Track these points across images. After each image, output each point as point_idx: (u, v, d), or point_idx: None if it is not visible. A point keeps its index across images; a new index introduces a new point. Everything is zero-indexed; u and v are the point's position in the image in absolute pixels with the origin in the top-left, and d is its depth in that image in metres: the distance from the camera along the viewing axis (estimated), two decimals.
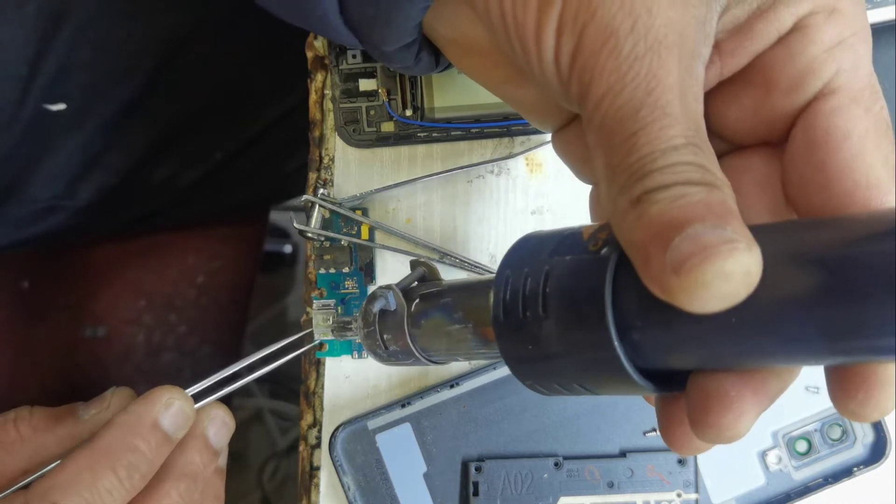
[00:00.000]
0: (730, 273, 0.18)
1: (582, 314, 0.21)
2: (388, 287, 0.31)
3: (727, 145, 0.26)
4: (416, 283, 0.32)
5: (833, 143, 0.22)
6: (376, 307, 0.31)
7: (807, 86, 0.23)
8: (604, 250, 0.22)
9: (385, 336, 0.31)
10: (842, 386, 0.21)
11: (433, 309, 0.29)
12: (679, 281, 0.18)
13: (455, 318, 0.28)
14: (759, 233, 0.19)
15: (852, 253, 0.18)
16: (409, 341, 0.30)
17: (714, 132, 0.25)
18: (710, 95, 0.25)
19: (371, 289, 0.39)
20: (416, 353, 0.30)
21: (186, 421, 0.34)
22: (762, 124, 0.24)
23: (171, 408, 0.33)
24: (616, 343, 0.21)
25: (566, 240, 0.23)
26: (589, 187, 0.30)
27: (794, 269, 0.18)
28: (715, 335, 0.20)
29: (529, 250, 0.24)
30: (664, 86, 0.21)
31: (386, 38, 0.28)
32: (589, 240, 0.22)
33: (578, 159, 0.29)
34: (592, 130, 0.23)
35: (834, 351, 0.18)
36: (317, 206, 0.39)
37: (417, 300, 0.30)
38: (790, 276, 0.18)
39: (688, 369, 0.22)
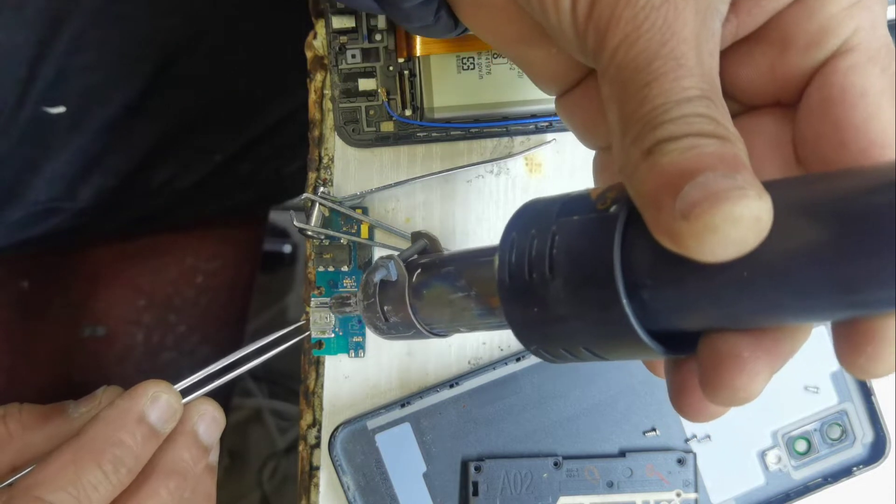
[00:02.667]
0: (739, 217, 0.17)
1: (590, 272, 0.21)
2: (389, 257, 0.30)
3: (738, 106, 0.26)
4: (417, 254, 0.31)
5: (849, 100, 0.22)
6: (377, 277, 0.30)
7: (824, 43, 0.23)
8: (612, 208, 0.21)
9: (385, 308, 0.30)
10: (850, 341, 0.20)
11: (435, 278, 0.29)
12: (688, 226, 0.18)
13: (458, 287, 0.28)
14: (771, 186, 0.19)
15: (867, 202, 0.17)
16: (411, 312, 0.29)
17: (726, 93, 0.25)
18: (724, 55, 0.25)
19: None
20: (418, 325, 0.29)
21: (173, 415, 0.33)
22: (776, 83, 0.24)
23: (157, 401, 0.33)
24: (624, 301, 0.20)
25: (573, 201, 0.23)
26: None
27: (807, 219, 0.18)
28: (726, 290, 0.19)
29: (535, 213, 0.24)
30: (679, 37, 0.21)
31: None
32: (597, 200, 0.22)
33: (584, 123, 0.29)
34: (607, 82, 0.23)
35: (847, 303, 0.18)
36: (317, 205, 0.39)
37: (419, 270, 0.30)
38: (802, 227, 0.18)
39: (698, 330, 0.22)
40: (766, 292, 0.19)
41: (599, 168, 0.29)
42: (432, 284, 0.29)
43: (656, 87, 0.21)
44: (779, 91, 0.24)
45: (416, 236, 0.32)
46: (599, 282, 0.21)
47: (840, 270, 0.17)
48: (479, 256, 0.28)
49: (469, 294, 0.27)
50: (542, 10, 0.24)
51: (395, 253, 0.31)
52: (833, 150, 0.22)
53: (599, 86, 0.23)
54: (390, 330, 0.31)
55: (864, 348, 0.20)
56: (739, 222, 0.18)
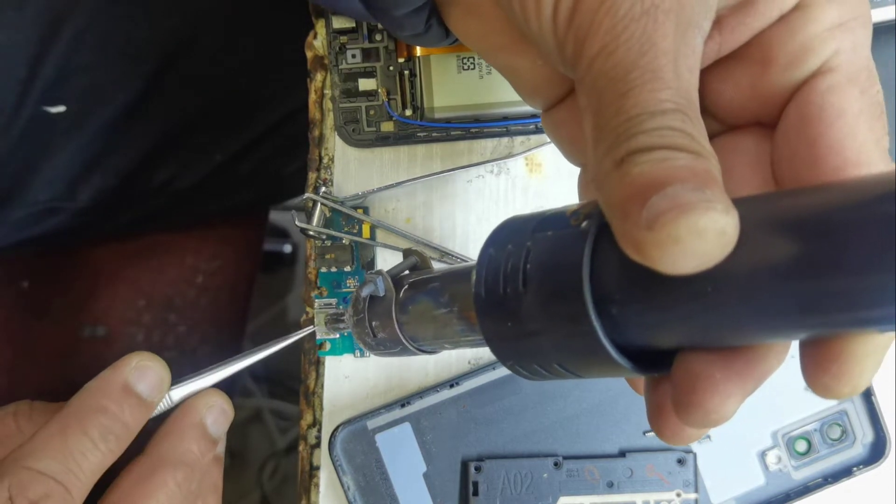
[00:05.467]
0: (703, 230, 0.17)
1: (559, 286, 0.21)
2: (378, 272, 0.31)
3: (720, 125, 0.26)
4: (407, 271, 0.31)
5: (826, 119, 0.22)
6: (365, 292, 0.31)
7: (805, 62, 0.23)
8: (584, 224, 0.21)
9: (374, 323, 0.31)
10: (815, 359, 0.20)
11: (420, 294, 0.29)
12: (652, 236, 0.18)
13: (441, 303, 0.28)
14: (742, 203, 0.19)
15: (831, 219, 0.17)
16: (397, 328, 0.30)
17: (708, 111, 0.25)
18: (707, 73, 0.25)
19: None
20: (404, 341, 0.30)
21: (159, 383, 0.33)
22: (757, 102, 0.24)
23: (140, 370, 0.33)
24: (592, 315, 0.20)
25: (550, 217, 0.23)
26: None
27: (771, 235, 0.18)
28: (690, 305, 0.19)
29: (513, 229, 0.24)
30: (658, 49, 0.21)
31: (396, 0, 0.28)
32: (571, 216, 0.22)
33: (569, 139, 0.29)
34: (584, 91, 0.22)
35: (811, 323, 0.18)
36: (318, 205, 0.39)
37: (406, 286, 0.30)
38: (767, 243, 0.18)
39: (670, 348, 0.22)
40: (729, 309, 0.19)
41: (584, 185, 0.29)
42: (417, 300, 0.29)
43: (632, 98, 0.21)
44: (759, 110, 0.24)
45: (407, 253, 0.32)
46: (569, 295, 0.21)
47: (804, 289, 0.17)
48: (461, 273, 0.28)
49: (451, 310, 0.27)
50: (525, 18, 0.25)
51: (384, 269, 0.31)
52: (807, 168, 0.22)
53: (577, 95, 0.23)
54: (378, 346, 0.31)
55: (828, 367, 0.20)
56: (703, 235, 0.17)
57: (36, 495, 0.29)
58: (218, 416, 0.35)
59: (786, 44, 0.23)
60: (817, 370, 0.20)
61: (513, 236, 0.23)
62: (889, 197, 0.16)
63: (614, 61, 0.21)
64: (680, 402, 0.21)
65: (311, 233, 0.39)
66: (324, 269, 0.40)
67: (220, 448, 0.36)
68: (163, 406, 0.34)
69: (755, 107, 0.24)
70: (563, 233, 0.22)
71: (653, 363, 0.22)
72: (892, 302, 0.16)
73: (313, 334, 0.39)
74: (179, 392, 0.35)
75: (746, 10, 0.24)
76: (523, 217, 0.24)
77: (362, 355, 0.40)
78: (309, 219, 0.39)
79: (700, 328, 0.20)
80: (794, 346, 0.22)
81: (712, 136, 0.25)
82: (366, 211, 0.40)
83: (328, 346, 0.40)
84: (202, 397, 0.35)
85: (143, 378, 0.33)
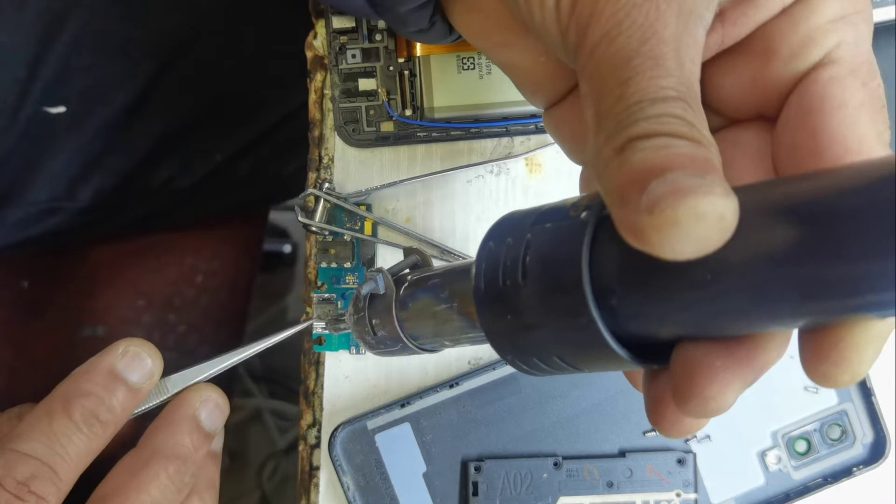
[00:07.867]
0: (703, 214, 0.17)
1: (559, 277, 0.21)
2: (378, 270, 0.31)
3: (722, 120, 0.26)
4: (408, 269, 0.31)
5: (828, 110, 0.22)
6: (365, 290, 0.31)
7: (807, 54, 0.23)
8: (583, 214, 0.21)
9: (374, 321, 0.31)
10: (814, 347, 0.20)
11: (420, 290, 0.29)
12: (651, 220, 0.18)
13: (441, 299, 0.28)
14: (740, 190, 0.19)
15: (830, 204, 0.17)
16: (397, 325, 0.30)
17: (710, 105, 0.25)
18: (709, 65, 0.25)
19: None
20: (404, 338, 0.30)
21: (149, 369, 0.33)
22: (759, 94, 0.24)
23: (127, 356, 0.33)
24: (592, 305, 0.20)
25: (550, 210, 0.23)
26: None
27: (770, 221, 0.18)
28: (690, 293, 0.19)
29: (513, 223, 0.24)
30: (659, 37, 0.21)
31: None
32: (571, 207, 0.22)
33: (570, 137, 0.29)
34: (585, 79, 0.22)
35: (809, 311, 0.18)
36: (321, 200, 0.39)
37: (406, 284, 0.30)
38: (766, 229, 0.18)
39: (670, 339, 0.22)
40: (728, 297, 0.19)
41: (585, 182, 0.29)
42: (418, 297, 0.29)
43: (633, 85, 0.21)
44: (761, 102, 0.24)
45: (408, 252, 0.32)
46: (568, 286, 0.21)
47: (803, 275, 0.17)
48: (461, 268, 0.28)
49: (451, 306, 0.27)
50: (528, 8, 0.25)
51: (384, 266, 0.31)
52: (809, 158, 0.22)
53: (579, 84, 0.23)
54: (379, 344, 0.31)
55: (827, 354, 0.20)
56: (703, 219, 0.17)
57: (23, 476, 0.29)
58: (212, 409, 0.35)
59: (788, 36, 0.23)
60: (816, 358, 0.20)
61: (512, 229, 0.23)
62: (889, 182, 0.16)
63: (616, 48, 0.21)
64: (679, 390, 0.21)
65: (313, 228, 0.39)
66: (324, 265, 0.40)
67: (217, 444, 0.36)
68: (160, 399, 0.34)
69: (757, 99, 0.25)
70: (563, 224, 0.22)
71: (652, 355, 0.22)
72: (893, 287, 0.16)
73: (312, 332, 0.39)
74: (176, 385, 0.35)
75: (749, 2, 0.24)
76: (523, 211, 0.24)
77: (358, 352, 0.40)
78: (311, 215, 0.39)
79: (699, 317, 0.20)
80: (794, 347, 0.22)
81: (714, 131, 0.25)
82: (368, 208, 0.40)
83: (325, 340, 0.40)
84: (196, 391, 0.34)
85: (131, 364, 0.33)
